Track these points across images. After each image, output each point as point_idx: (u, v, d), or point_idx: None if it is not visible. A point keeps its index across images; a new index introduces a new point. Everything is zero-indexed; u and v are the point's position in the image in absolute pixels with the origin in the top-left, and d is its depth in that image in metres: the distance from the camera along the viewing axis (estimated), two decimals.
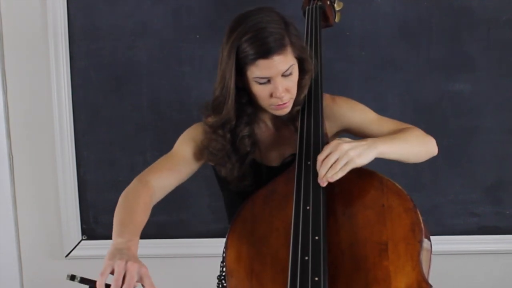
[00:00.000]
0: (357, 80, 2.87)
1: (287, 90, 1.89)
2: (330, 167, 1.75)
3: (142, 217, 1.85)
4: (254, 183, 2.00)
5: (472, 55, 2.84)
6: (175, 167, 2.04)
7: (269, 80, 1.87)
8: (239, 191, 2.02)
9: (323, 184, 1.77)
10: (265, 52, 1.82)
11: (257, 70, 1.84)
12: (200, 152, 2.06)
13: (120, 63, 2.90)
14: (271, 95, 1.89)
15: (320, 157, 1.78)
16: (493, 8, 2.81)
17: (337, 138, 1.82)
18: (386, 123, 2.09)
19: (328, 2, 2.36)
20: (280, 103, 1.90)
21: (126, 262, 1.62)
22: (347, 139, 1.80)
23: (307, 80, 1.97)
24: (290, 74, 1.88)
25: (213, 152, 2.01)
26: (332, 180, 1.75)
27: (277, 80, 1.86)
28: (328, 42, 2.71)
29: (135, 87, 2.92)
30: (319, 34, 2.15)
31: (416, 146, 1.97)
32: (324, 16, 2.34)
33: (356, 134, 2.09)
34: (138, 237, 1.79)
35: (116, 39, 2.89)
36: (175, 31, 2.88)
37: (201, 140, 2.05)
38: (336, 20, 2.44)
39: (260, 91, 1.89)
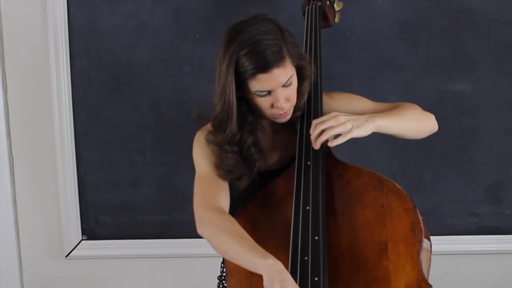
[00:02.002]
0: (357, 80, 2.86)
1: (287, 99, 1.89)
2: (324, 131, 1.79)
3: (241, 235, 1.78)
4: (254, 189, 1.98)
5: (472, 55, 2.84)
6: (225, 185, 1.98)
7: (269, 92, 1.86)
8: (239, 195, 2.01)
9: (316, 146, 1.81)
10: (264, 66, 1.80)
11: (257, 84, 1.83)
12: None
13: (120, 63, 2.90)
14: (272, 106, 1.88)
15: (315, 121, 1.81)
16: (493, 8, 2.81)
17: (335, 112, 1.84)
18: (384, 107, 2.10)
19: (328, 2, 2.36)
20: (282, 112, 1.89)
21: None
22: (345, 114, 1.83)
23: (306, 87, 1.96)
24: (290, 83, 1.88)
25: (228, 169, 1.96)
26: (324, 138, 1.79)
27: (278, 91, 1.85)
28: (328, 42, 2.70)
29: (135, 87, 2.92)
30: (318, 34, 2.15)
31: (414, 120, 1.99)
32: (323, 16, 2.34)
33: None
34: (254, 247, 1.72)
35: (116, 39, 2.89)
36: (175, 31, 2.88)
37: (213, 156, 2.00)
38: (335, 20, 2.44)
39: (261, 102, 1.88)
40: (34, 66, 2.93)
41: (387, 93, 2.86)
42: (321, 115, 1.96)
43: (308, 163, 1.85)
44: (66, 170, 2.95)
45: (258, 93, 1.86)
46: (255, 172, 1.98)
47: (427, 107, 2.82)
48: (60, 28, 2.86)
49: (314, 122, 1.82)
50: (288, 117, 1.94)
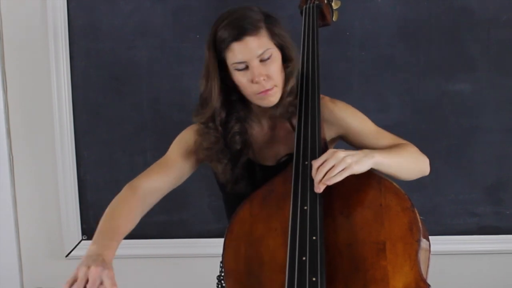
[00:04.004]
0: (357, 80, 2.87)
1: (268, 76, 1.88)
2: (326, 173, 1.74)
3: (124, 224, 1.86)
4: (249, 185, 2.01)
5: (472, 55, 2.84)
6: (165, 170, 2.05)
7: (247, 67, 1.87)
8: (236, 193, 2.02)
9: (319, 190, 1.74)
10: (238, 34, 1.84)
11: (232, 56, 1.86)
12: (190, 154, 2.07)
13: (120, 63, 2.91)
14: (251, 82, 1.88)
15: (316, 164, 1.76)
16: (493, 8, 2.81)
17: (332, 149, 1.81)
18: (383, 136, 2.05)
19: (326, 1, 2.35)
20: (262, 89, 1.89)
21: (89, 268, 1.63)
22: (343, 149, 1.78)
23: (292, 69, 1.96)
24: (268, 59, 1.88)
25: (208, 147, 2.01)
26: (330, 183, 1.73)
27: (254, 63, 1.86)
28: (328, 42, 2.71)
29: (135, 87, 2.92)
30: (316, 33, 2.14)
31: (410, 163, 1.94)
32: (321, 15, 2.32)
33: (352, 142, 2.06)
34: (116, 243, 1.78)
35: (116, 39, 2.90)
36: (175, 31, 2.88)
37: (194, 141, 2.06)
38: (333, 19, 2.42)
39: (240, 78, 1.89)
40: (34, 66, 2.94)
41: (387, 93, 2.86)
42: (319, 114, 1.95)
43: (306, 163, 1.84)
44: (66, 170, 2.95)
45: (236, 66, 1.88)
46: (242, 164, 2.01)
47: (427, 107, 2.84)
48: (60, 28, 2.86)
49: (315, 165, 1.77)
50: (273, 99, 1.93)
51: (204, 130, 2.00)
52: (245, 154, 2.01)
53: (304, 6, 2.25)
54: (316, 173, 1.75)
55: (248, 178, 2.02)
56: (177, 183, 2.09)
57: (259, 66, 1.87)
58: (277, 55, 1.91)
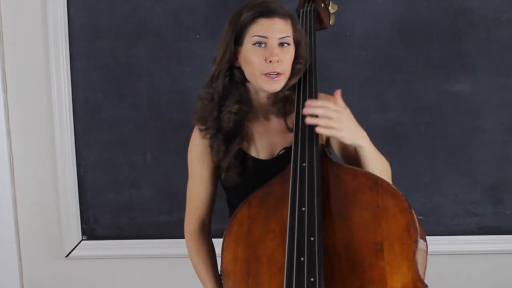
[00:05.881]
0: (357, 80, 2.87)
1: (281, 61, 1.93)
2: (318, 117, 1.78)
3: (204, 272, 2.22)
4: (239, 174, 2.04)
5: (472, 55, 2.84)
6: (202, 190, 2.16)
7: (265, 45, 1.93)
8: (232, 186, 2.07)
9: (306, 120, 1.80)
10: (269, 12, 1.93)
11: (256, 28, 1.93)
12: (204, 157, 2.12)
13: (120, 63, 2.91)
14: (265, 60, 1.92)
15: (317, 103, 1.82)
16: (493, 8, 2.81)
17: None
18: None
19: (323, 5, 2.35)
20: (272, 70, 1.92)
21: None
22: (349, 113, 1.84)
23: (300, 66, 2.00)
24: (286, 45, 1.95)
25: (204, 102, 2.05)
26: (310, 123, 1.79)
27: (273, 43, 1.92)
28: (328, 42, 2.71)
29: (135, 87, 2.92)
30: (313, 36, 2.15)
31: (384, 172, 1.95)
32: (318, 19, 2.33)
33: (335, 145, 2.09)
34: (213, 281, 2.19)
35: (116, 39, 2.90)
36: (175, 31, 2.88)
37: (202, 143, 2.10)
38: (330, 22, 2.43)
39: (253, 55, 1.93)
40: (34, 66, 2.94)
41: (387, 93, 2.86)
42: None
43: (304, 164, 1.84)
44: (66, 170, 2.96)
45: (255, 39, 1.93)
46: (235, 151, 2.03)
47: (427, 107, 2.84)
48: (60, 28, 2.87)
49: (313, 103, 1.82)
50: (277, 85, 1.96)
51: (205, 101, 2.06)
52: (239, 141, 2.04)
53: (302, 10, 2.26)
54: (310, 108, 1.80)
55: (239, 168, 2.05)
56: (216, 187, 2.19)
57: (277, 46, 1.93)
58: (292, 48, 1.98)
